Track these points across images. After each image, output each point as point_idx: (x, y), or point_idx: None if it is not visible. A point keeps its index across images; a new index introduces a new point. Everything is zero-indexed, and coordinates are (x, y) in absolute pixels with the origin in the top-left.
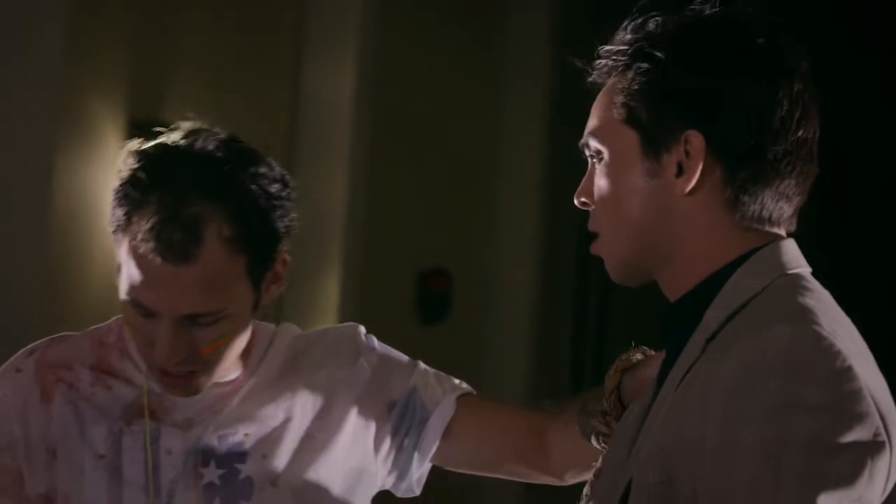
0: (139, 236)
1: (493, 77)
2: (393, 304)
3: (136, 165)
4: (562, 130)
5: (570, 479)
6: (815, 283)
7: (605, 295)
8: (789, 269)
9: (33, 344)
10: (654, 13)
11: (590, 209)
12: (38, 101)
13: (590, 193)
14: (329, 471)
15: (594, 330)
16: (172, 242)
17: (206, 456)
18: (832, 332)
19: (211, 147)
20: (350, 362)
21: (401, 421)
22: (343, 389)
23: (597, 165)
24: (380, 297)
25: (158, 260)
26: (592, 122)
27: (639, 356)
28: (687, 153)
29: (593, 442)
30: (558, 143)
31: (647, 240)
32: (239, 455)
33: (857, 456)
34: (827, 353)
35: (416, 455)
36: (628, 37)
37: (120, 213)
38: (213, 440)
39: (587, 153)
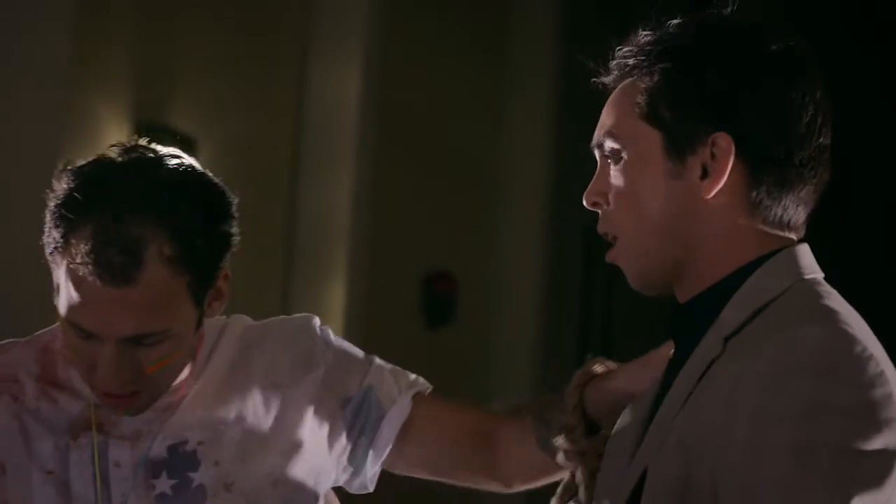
0: (78, 259)
1: (498, 78)
2: (398, 308)
3: (72, 184)
4: (566, 132)
5: (518, 487)
6: (832, 289)
7: (609, 297)
8: (807, 274)
9: None
10: (673, 14)
11: (601, 210)
12: (42, 103)
13: (602, 194)
14: (285, 472)
15: (599, 332)
16: (112, 265)
17: (156, 466)
18: (863, 336)
19: (150, 163)
20: (305, 357)
21: (355, 418)
22: (297, 386)
23: (612, 166)
24: (385, 301)
25: (98, 283)
26: (608, 122)
27: (598, 368)
28: (713, 155)
29: (559, 460)
30: (563, 144)
31: (667, 241)
32: (190, 463)
33: (885, 461)
34: (860, 357)
35: (370, 453)
36: (650, 37)
37: (57, 234)
38: (162, 450)
39: (599, 153)
